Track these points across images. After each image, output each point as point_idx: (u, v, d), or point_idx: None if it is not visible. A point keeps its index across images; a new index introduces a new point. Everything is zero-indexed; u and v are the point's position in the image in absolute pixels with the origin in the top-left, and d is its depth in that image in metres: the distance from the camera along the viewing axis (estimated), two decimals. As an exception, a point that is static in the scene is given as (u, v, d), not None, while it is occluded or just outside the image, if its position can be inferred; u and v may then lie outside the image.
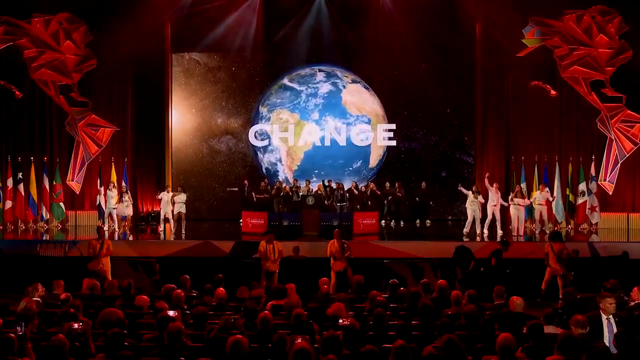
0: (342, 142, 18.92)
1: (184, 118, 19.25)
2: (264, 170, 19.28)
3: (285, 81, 19.17)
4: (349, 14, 18.27)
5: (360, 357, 4.76)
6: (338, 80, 19.05)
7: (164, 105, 18.79)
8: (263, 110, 19.19)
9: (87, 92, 17.52)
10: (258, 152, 19.30)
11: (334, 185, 17.48)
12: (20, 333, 5.57)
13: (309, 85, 19.05)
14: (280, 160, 19.25)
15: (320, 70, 19.08)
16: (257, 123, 19.18)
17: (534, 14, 16.68)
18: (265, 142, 19.18)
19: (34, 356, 5.42)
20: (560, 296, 11.08)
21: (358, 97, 18.99)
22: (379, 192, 17.19)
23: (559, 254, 11.18)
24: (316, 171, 18.80)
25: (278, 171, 19.25)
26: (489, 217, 15.09)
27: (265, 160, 19.29)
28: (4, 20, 16.33)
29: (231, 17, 17.95)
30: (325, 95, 18.99)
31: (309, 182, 17.64)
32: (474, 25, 17.98)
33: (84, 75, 17.31)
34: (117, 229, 15.99)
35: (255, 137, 19.18)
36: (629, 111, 16.39)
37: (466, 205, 15.39)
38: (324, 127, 18.92)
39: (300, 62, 18.89)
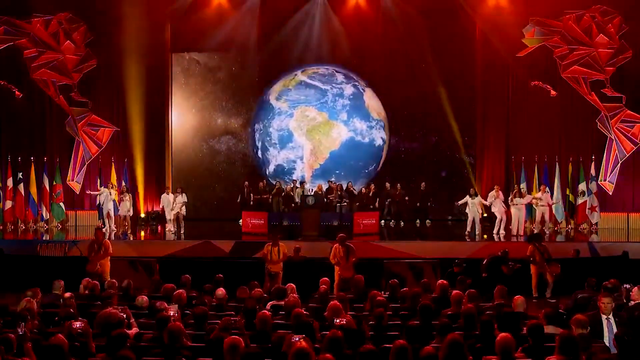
0: (365, 144, 18.84)
1: (184, 118, 19.25)
2: (274, 167, 19.06)
3: (303, 78, 19.00)
4: (348, 14, 18.25)
5: (359, 357, 4.76)
6: (357, 83, 19.01)
7: (164, 105, 18.77)
8: (281, 105, 18.90)
9: (87, 92, 17.53)
10: (270, 148, 19.03)
11: (333, 186, 17.48)
12: (20, 333, 5.56)
13: (333, 85, 18.95)
14: (301, 158, 18.99)
15: (337, 71, 19.03)
16: (273, 118, 18.86)
17: (534, 14, 16.69)
18: (275, 139, 18.95)
19: (34, 356, 5.42)
20: (549, 294, 11.27)
21: (375, 101, 18.96)
22: (377, 198, 17.17)
23: (543, 253, 11.47)
24: (337, 171, 18.69)
25: (294, 169, 19.01)
26: (499, 218, 15.21)
27: (281, 156, 19.03)
28: (4, 20, 16.35)
29: (231, 16, 17.94)
30: (351, 96, 18.90)
31: (304, 184, 17.65)
32: (474, 25, 17.97)
33: (84, 75, 17.32)
34: (114, 229, 16.01)
35: (269, 133, 18.89)
36: (629, 111, 16.42)
37: (466, 209, 15.47)
38: (352, 128, 18.79)
39: (300, 62, 18.83)
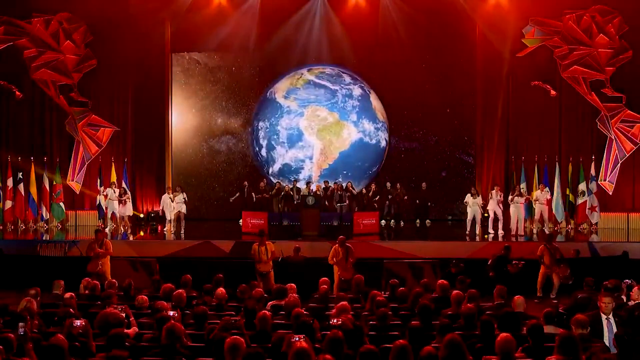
0: (371, 145, 18.83)
1: (184, 118, 19.25)
2: (280, 166, 19.01)
3: (311, 77, 18.99)
4: (348, 14, 18.25)
5: (360, 357, 4.76)
6: (363, 84, 19.00)
7: (164, 105, 18.77)
8: (289, 103, 18.84)
9: (87, 92, 17.53)
10: (278, 146, 18.98)
11: (332, 186, 17.49)
12: (21, 333, 5.56)
13: (342, 85, 18.94)
14: (310, 157, 18.93)
15: (342, 72, 19.02)
16: (281, 116, 18.80)
17: (534, 14, 16.68)
18: (284, 138, 18.92)
19: (34, 356, 5.42)
20: (553, 295, 11.30)
21: (377, 102, 18.96)
22: (378, 197, 17.18)
23: (554, 255, 11.37)
24: (344, 172, 18.69)
25: (302, 168, 18.94)
26: (491, 216, 15.22)
27: (289, 155, 18.98)
28: (4, 20, 16.33)
29: (231, 16, 17.94)
30: (359, 97, 18.90)
31: (310, 183, 17.66)
32: (474, 25, 17.98)
33: (84, 75, 17.32)
34: (122, 229, 16.05)
35: (277, 131, 18.82)
36: (629, 111, 16.41)
37: (466, 208, 15.49)
38: (361, 129, 18.78)
39: (300, 63, 18.83)
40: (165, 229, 16.19)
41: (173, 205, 15.99)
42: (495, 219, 15.44)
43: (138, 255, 13.04)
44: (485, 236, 15.13)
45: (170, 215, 16.09)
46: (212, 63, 19.29)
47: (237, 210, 16.90)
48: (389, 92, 18.82)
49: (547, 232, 14.51)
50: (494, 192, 15.58)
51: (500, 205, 15.44)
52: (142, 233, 16.51)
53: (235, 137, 19.27)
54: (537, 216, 15.70)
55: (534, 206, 15.82)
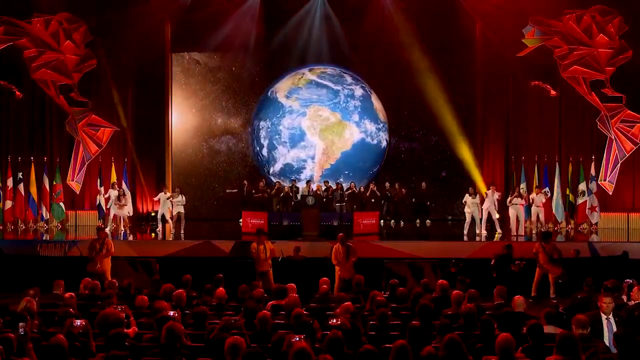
0: (373, 146, 18.86)
1: (184, 118, 19.25)
2: (281, 165, 19.02)
3: (312, 77, 19.02)
4: (348, 14, 18.28)
5: (359, 357, 4.76)
6: (364, 85, 19.02)
7: (164, 105, 18.77)
8: (291, 103, 18.88)
9: (87, 92, 17.52)
10: (279, 146, 18.99)
11: (333, 186, 17.49)
12: (21, 333, 5.56)
13: (344, 85, 18.97)
14: (312, 157, 18.96)
15: (344, 72, 19.02)
16: (283, 116, 18.85)
17: (533, 14, 16.69)
18: (286, 138, 18.94)
19: (34, 356, 5.42)
20: (552, 295, 11.28)
21: (378, 102, 18.98)
22: (379, 193, 17.22)
23: (550, 254, 11.33)
24: (346, 172, 18.73)
25: (304, 168, 18.96)
26: (485, 217, 15.21)
27: (291, 155, 18.99)
28: (4, 20, 16.33)
29: (231, 16, 17.95)
30: (361, 98, 18.93)
31: (311, 182, 17.66)
32: (474, 25, 17.99)
33: (84, 75, 17.31)
34: (122, 229, 16.04)
35: (279, 131, 18.83)
36: (629, 111, 16.41)
37: (465, 208, 15.49)
38: (363, 129, 18.82)
39: (301, 63, 18.84)
40: (157, 229, 16.14)
41: (168, 205, 15.92)
42: (490, 220, 15.42)
43: (138, 255, 13.02)
44: (478, 236, 15.09)
45: (162, 213, 16.01)
46: (212, 63, 19.29)
47: (237, 210, 16.89)
48: (389, 92, 18.84)
49: (543, 230, 14.52)
50: (489, 191, 15.57)
51: (496, 205, 15.42)
52: (142, 233, 16.52)
53: (235, 137, 19.28)
54: (533, 218, 15.73)
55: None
